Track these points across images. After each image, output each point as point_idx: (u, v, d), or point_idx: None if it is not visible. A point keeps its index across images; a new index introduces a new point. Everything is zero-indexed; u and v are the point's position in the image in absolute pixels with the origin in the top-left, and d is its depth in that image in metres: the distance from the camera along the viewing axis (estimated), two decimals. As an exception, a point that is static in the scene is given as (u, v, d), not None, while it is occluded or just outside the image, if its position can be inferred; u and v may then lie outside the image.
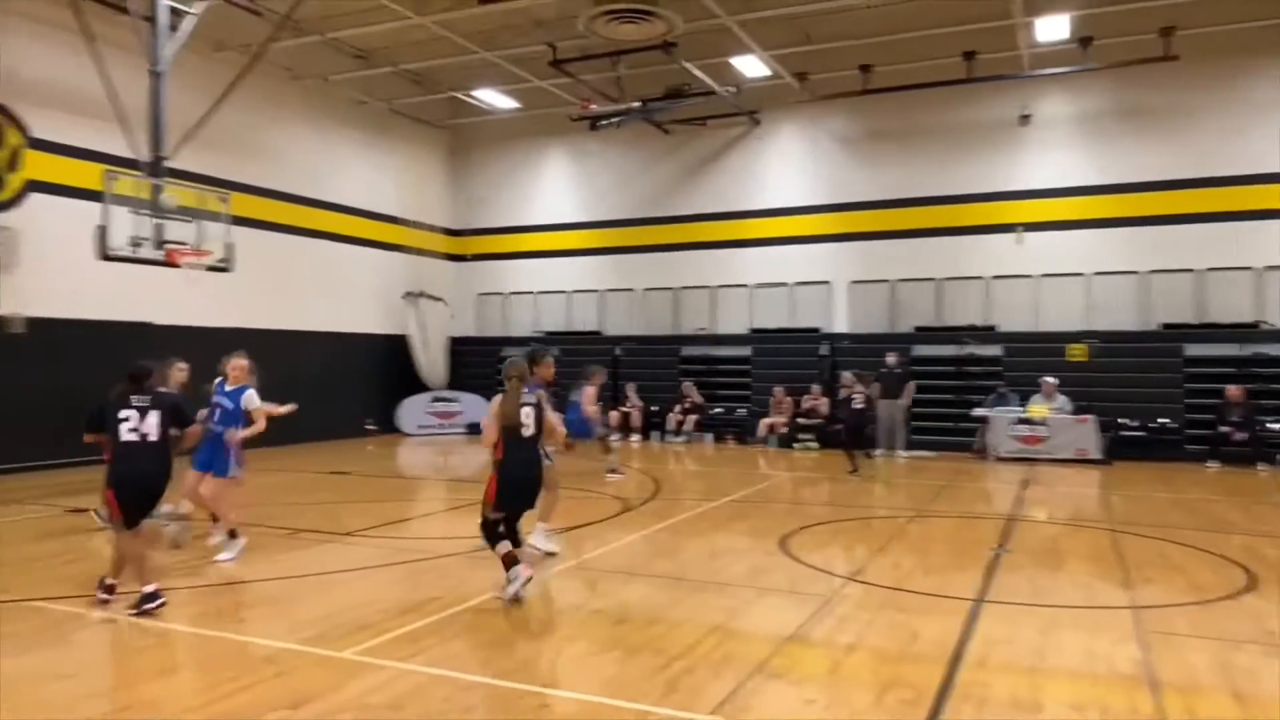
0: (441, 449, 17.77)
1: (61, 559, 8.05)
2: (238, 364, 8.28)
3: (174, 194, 12.21)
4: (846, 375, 14.64)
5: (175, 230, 12.37)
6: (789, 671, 5.06)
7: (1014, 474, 14.03)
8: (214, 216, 12.98)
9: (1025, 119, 17.65)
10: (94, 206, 12.09)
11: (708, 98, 17.90)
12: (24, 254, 13.59)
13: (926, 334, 18.09)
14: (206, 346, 16.48)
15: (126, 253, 11.87)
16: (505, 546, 6.42)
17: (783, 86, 18.15)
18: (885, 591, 6.79)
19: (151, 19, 12.18)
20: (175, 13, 12.55)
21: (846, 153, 19.21)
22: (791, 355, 18.80)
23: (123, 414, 6.16)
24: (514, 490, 6.51)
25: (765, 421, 18.05)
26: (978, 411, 16.45)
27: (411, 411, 20.61)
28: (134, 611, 6.02)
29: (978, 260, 17.90)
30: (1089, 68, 16.02)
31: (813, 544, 8.59)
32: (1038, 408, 15.85)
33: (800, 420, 17.72)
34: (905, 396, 16.40)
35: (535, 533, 7.78)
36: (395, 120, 20.93)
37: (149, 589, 6.09)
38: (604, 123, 18.66)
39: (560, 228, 21.93)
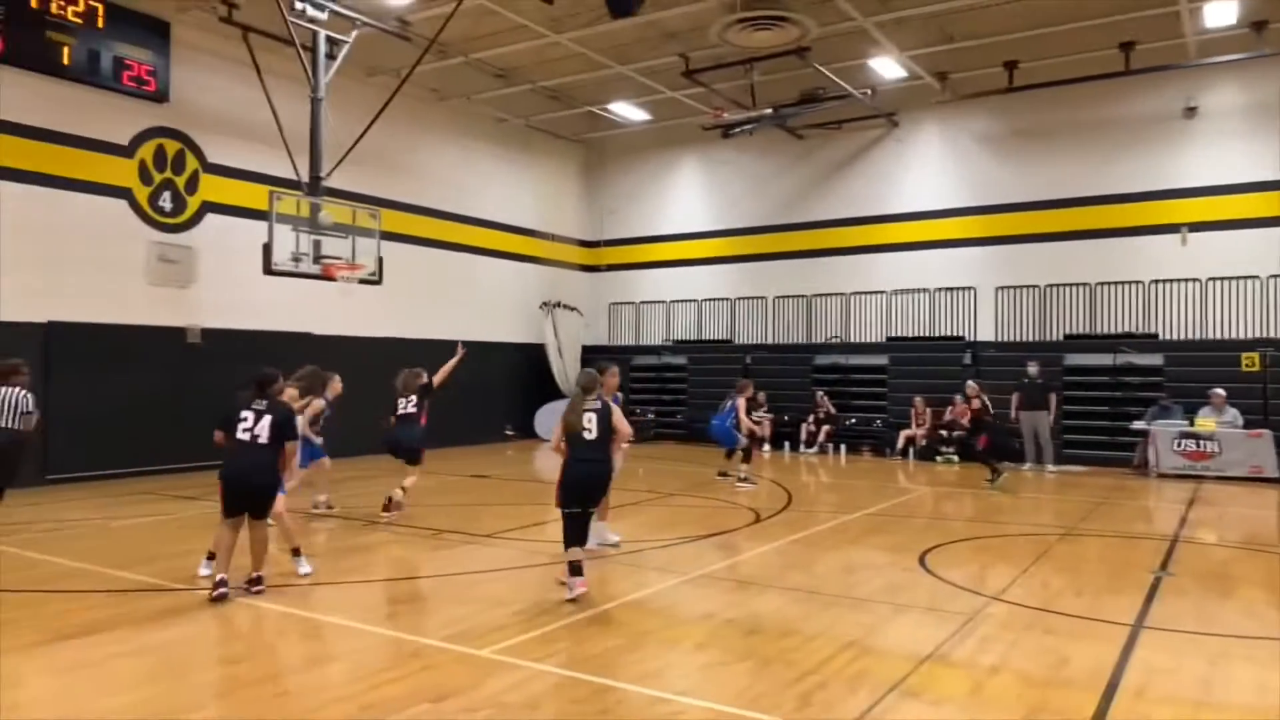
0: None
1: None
2: (290, 393, 8.27)
3: (330, 211, 13.01)
4: (972, 385, 14.18)
5: (330, 246, 13.20)
6: (927, 691, 4.89)
7: (1178, 492, 13.07)
8: (366, 232, 13.76)
9: (1191, 111, 16.48)
10: (259, 225, 13.05)
11: (843, 101, 17.59)
12: (200, 270, 14.80)
13: (1078, 341, 17.13)
14: (360, 355, 17.47)
15: (288, 268, 12.73)
16: (576, 554, 6.79)
17: (922, 87, 17.64)
18: (1032, 612, 6.46)
19: (312, 48, 13.04)
20: (332, 41, 13.40)
21: (991, 153, 18.46)
22: (931, 364, 18.17)
23: (242, 415, 6.81)
24: (575, 486, 6.93)
25: (904, 433, 17.52)
26: (1137, 425, 15.42)
27: (548, 418, 21.11)
28: (250, 590, 6.75)
29: (1136, 263, 16.82)
30: (1264, 54, 14.80)
31: (954, 560, 8.27)
32: (1206, 421, 14.70)
33: (941, 432, 17.10)
34: (1051, 409, 15.56)
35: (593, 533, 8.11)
36: (533, 136, 21.58)
37: (256, 574, 6.84)
38: (736, 130, 18.62)
39: (692, 237, 22.03)
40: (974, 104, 17.96)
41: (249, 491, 6.79)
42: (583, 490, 6.97)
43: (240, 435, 6.76)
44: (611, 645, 5.65)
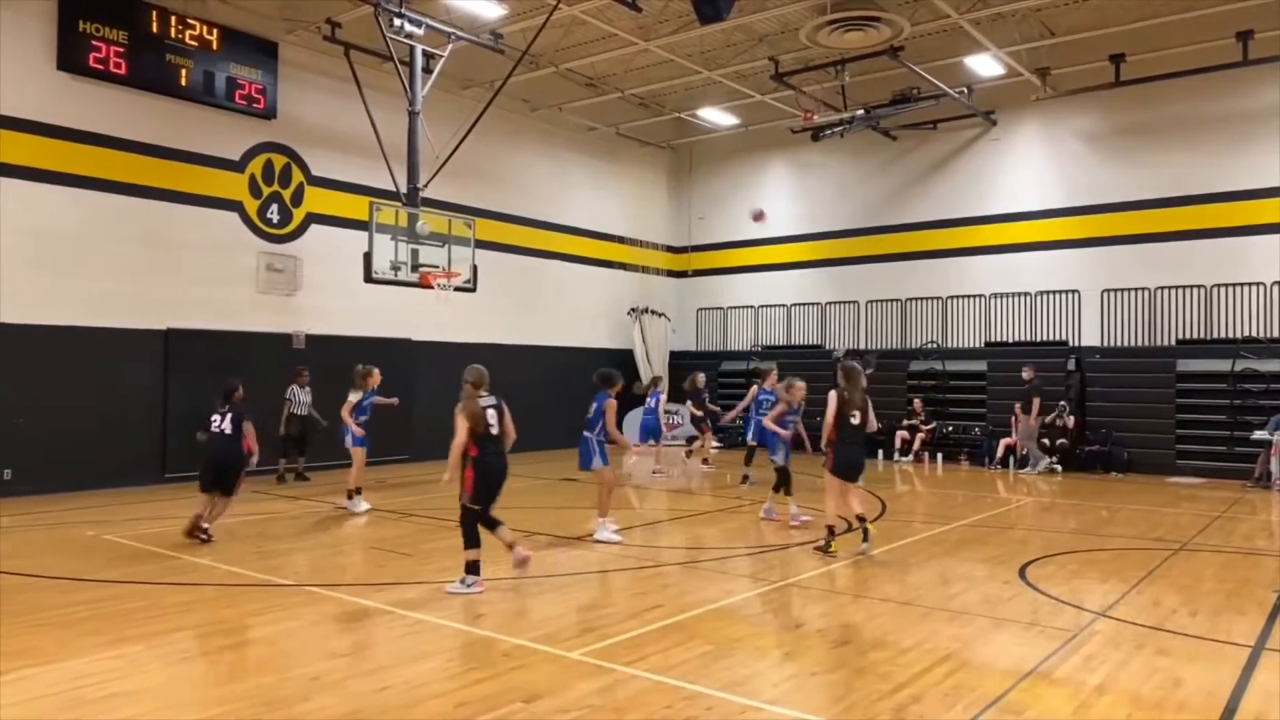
0: (665, 459, 18.10)
1: (331, 550, 9.01)
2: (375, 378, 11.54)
3: (427, 221, 13.39)
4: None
5: (427, 254, 13.60)
6: (1028, 709, 4.72)
7: (1304, 507, 12.27)
8: (461, 241, 14.12)
9: (1317, 102, 15.49)
10: (360, 235, 13.55)
11: (937, 101, 17.17)
12: (305, 279, 15.44)
13: (1192, 346, 16.26)
14: (456, 360, 17.85)
15: (388, 276, 13.17)
16: (475, 554, 7.13)
17: (1021, 84, 17.09)
18: (1142, 630, 6.16)
19: (409, 63, 13.46)
20: (428, 56, 13.80)
21: (1095, 151, 17.73)
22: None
23: (213, 417, 9.13)
24: (490, 482, 7.20)
25: (1004, 442, 16.93)
26: (1258, 435, 14.54)
27: (636, 423, 21.21)
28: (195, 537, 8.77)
29: (1257, 264, 15.87)
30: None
31: (1058, 574, 7.96)
32: (1335, 431, 13.77)
33: (1044, 440, 16.48)
34: (1032, 414, 15.86)
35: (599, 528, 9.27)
36: (621, 143, 21.76)
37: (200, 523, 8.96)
38: (827, 133, 18.39)
39: (780, 241, 21.84)
40: (1077, 100, 17.30)
41: (221, 469, 9.00)
42: (496, 484, 7.26)
43: (214, 430, 9.08)
44: (700, 652, 5.63)
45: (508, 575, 7.92)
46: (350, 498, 11.13)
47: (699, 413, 16.56)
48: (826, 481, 8.83)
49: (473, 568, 7.10)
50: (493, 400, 7.30)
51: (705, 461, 16.49)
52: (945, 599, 7.12)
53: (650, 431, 16.08)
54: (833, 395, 8.71)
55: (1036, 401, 15.94)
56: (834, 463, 8.69)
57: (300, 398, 13.97)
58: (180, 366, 13.84)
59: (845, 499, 8.77)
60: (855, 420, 8.68)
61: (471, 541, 7.13)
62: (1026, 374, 16.35)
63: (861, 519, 8.63)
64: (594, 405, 9.34)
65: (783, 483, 10.46)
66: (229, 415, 9.09)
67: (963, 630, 6.16)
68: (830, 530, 8.63)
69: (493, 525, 7.27)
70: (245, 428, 9.12)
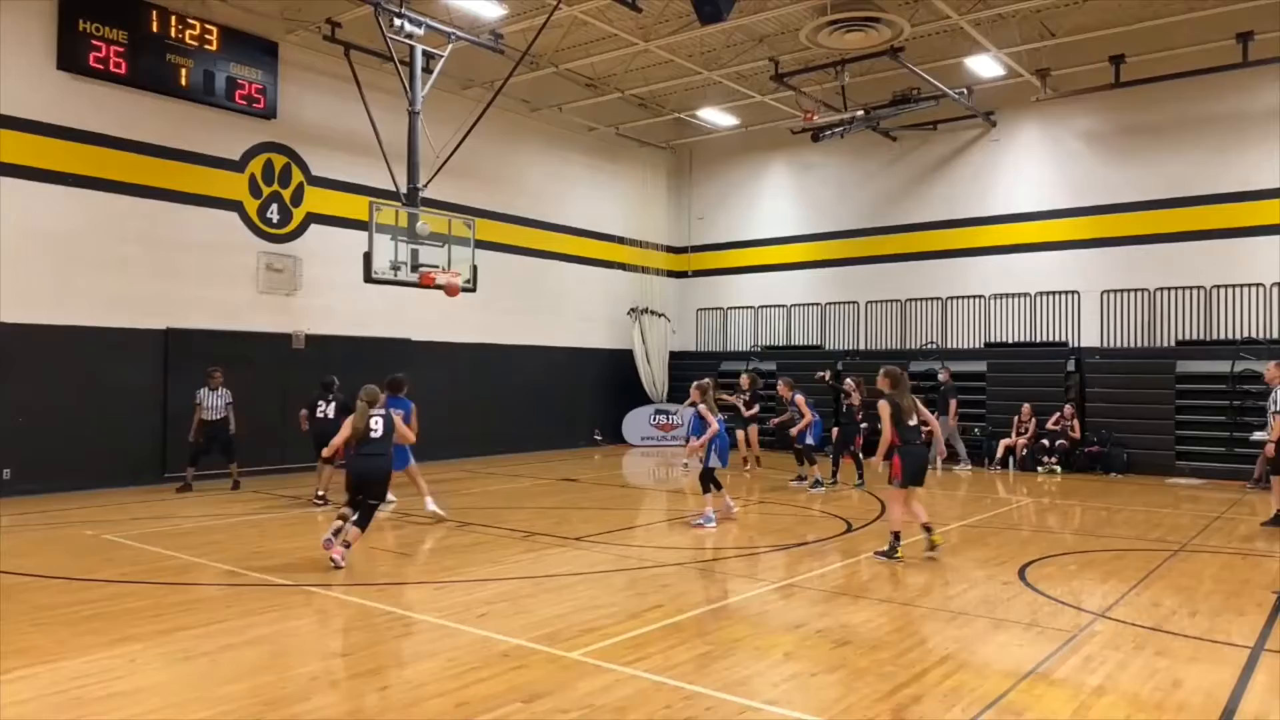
0: (663, 460, 18.16)
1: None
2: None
3: (427, 221, 13.37)
4: (849, 381, 14.40)
5: (427, 254, 13.57)
6: (1027, 710, 4.72)
7: (1304, 507, 12.24)
8: (461, 241, 14.10)
9: (1316, 103, 15.49)
10: (360, 235, 13.53)
11: (937, 101, 17.17)
12: (304, 279, 15.43)
13: (1192, 347, 16.26)
14: (456, 360, 17.86)
15: (388, 276, 13.14)
16: (337, 525, 8.13)
17: (1021, 85, 17.10)
18: (1141, 631, 6.17)
19: (409, 63, 13.45)
20: (428, 56, 13.79)
21: (1095, 151, 17.73)
22: (1032, 371, 17.53)
23: (318, 403, 11.68)
24: (355, 479, 8.12)
25: (1004, 443, 16.94)
26: (1257, 435, 14.53)
27: (635, 423, 21.27)
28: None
29: (1257, 265, 15.88)
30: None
31: (1057, 575, 7.97)
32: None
33: (1043, 441, 16.48)
34: (949, 414, 16.20)
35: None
36: (621, 144, 21.76)
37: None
38: (827, 134, 18.39)
39: (781, 241, 21.84)
40: (1077, 101, 17.31)
41: (325, 441, 10.26)
42: (362, 481, 8.10)
43: (318, 415, 11.57)
44: (700, 652, 5.64)
45: (508, 576, 7.93)
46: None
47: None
48: (893, 489, 8.66)
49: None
50: (381, 412, 8.33)
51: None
52: (945, 599, 7.12)
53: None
54: (884, 405, 8.56)
55: (953, 403, 16.37)
56: (903, 469, 8.52)
57: (210, 401, 12.63)
58: (180, 366, 13.82)
59: (910, 504, 8.70)
60: (913, 422, 8.64)
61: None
62: (942, 375, 16.84)
63: (928, 527, 8.55)
64: (404, 412, 10.07)
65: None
66: (332, 404, 11.47)
67: (962, 631, 6.16)
68: (896, 536, 8.49)
69: (363, 525, 8.17)
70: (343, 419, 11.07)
